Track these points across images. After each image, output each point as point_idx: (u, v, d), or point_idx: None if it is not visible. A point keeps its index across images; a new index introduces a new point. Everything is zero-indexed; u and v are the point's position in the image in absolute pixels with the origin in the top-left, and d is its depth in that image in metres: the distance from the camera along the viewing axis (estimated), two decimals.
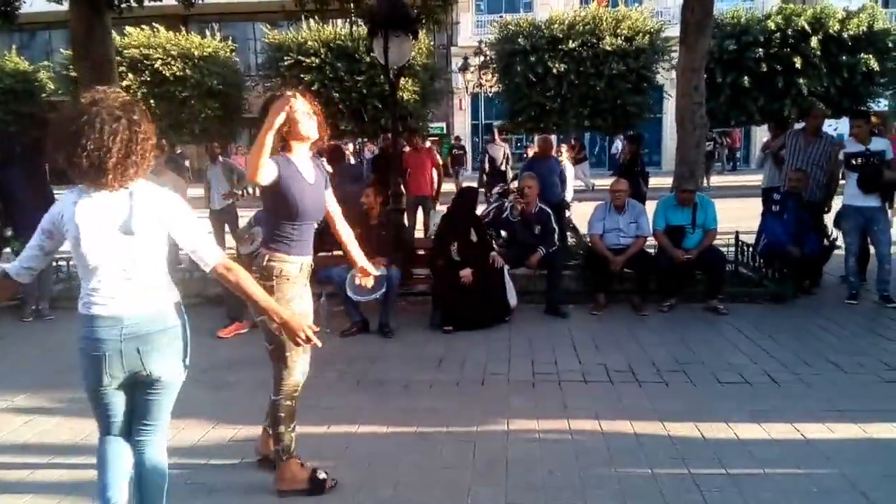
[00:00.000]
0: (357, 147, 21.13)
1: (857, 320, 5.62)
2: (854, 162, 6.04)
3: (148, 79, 17.61)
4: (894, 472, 3.08)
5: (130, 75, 16.70)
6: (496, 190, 10.89)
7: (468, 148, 27.19)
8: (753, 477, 3.09)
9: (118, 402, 2.41)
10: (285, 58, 17.06)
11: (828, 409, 3.82)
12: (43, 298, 6.39)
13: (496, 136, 14.86)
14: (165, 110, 17.73)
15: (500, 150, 13.54)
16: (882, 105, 17.33)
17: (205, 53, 18.46)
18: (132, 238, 2.24)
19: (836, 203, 6.77)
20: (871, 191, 5.96)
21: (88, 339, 2.26)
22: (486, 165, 13.46)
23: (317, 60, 16.88)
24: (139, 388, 2.42)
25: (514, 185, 10.44)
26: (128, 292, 2.28)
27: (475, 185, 11.18)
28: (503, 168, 13.18)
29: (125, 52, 16.98)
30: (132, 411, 2.46)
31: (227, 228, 8.50)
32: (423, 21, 8.14)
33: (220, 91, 18.38)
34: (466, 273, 5.65)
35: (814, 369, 4.48)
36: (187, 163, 19.76)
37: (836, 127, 19.19)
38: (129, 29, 17.60)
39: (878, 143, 6.03)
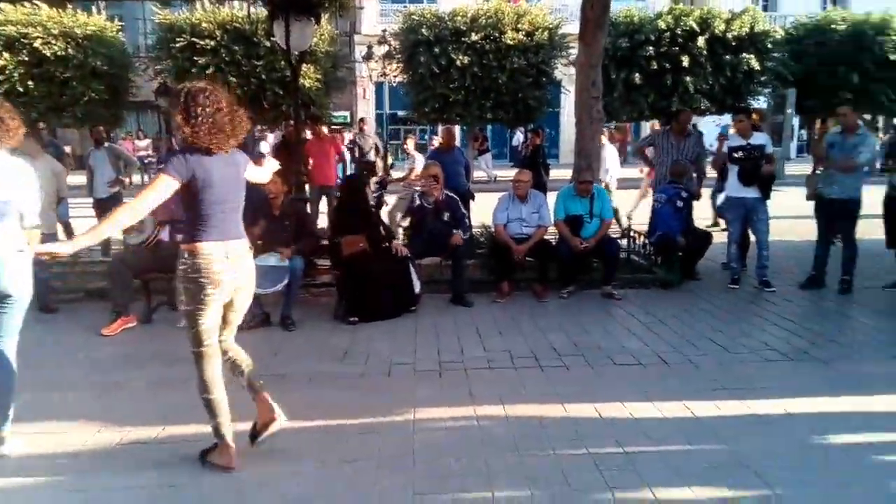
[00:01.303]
0: (257, 134, 20.41)
1: (738, 304, 6.01)
2: (736, 155, 6.44)
3: (26, 58, 16.18)
4: (777, 446, 3.30)
5: (6, 55, 15.27)
6: (374, 180, 10.81)
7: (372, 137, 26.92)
8: (649, 455, 3.23)
9: None
10: (177, 39, 16.14)
11: (715, 388, 4.05)
12: None
13: (363, 127, 14.80)
14: (45, 92, 16.37)
15: (369, 140, 13.51)
16: (762, 102, 18.60)
17: (88, 32, 17.18)
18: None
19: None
20: (750, 183, 6.38)
21: None
22: (356, 155, 13.42)
23: (212, 43, 16.05)
24: None
25: (396, 174, 10.49)
26: None
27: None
28: (373, 159, 13.12)
29: (0, 29, 15.54)
30: None
31: None
32: (327, 5, 7.93)
33: (105, 73, 17.18)
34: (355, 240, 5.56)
35: (701, 350, 4.74)
36: (68, 148, 18.39)
37: (719, 122, 20.47)
38: (2, 6, 16.09)
39: (758, 138, 6.46)
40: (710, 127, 17.82)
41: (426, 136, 24.77)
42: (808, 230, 7.01)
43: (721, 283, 6.67)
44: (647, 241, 7.07)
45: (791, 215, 9.40)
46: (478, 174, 16.44)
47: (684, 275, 6.70)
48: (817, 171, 6.68)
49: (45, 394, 4.06)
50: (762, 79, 17.45)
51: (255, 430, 3.30)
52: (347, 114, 26.99)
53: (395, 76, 19.76)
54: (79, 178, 8.24)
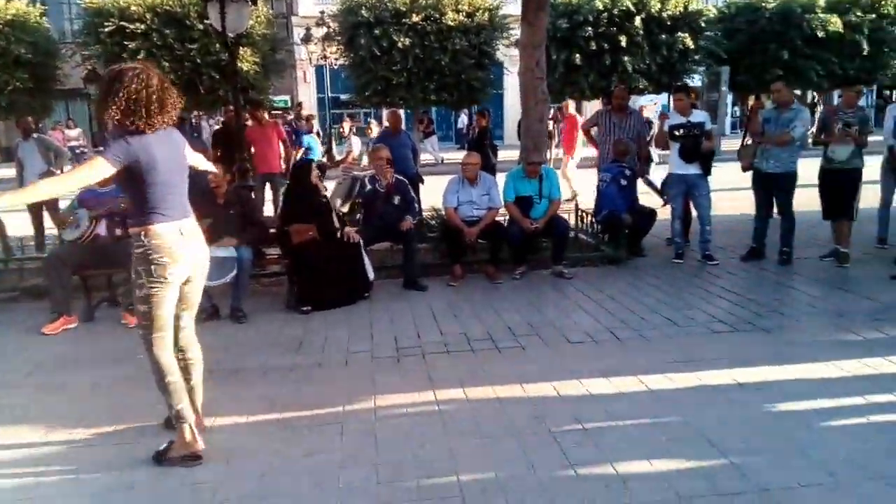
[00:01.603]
0: (194, 121, 19.76)
1: (684, 278, 6.19)
2: (676, 133, 6.58)
3: None
4: (731, 416, 3.40)
5: None
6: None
7: (315, 122, 26.48)
8: (608, 430, 3.29)
9: None
10: (105, 24, 15.45)
11: (667, 361, 4.16)
12: None
13: (300, 112, 14.60)
14: None
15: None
16: (696, 80, 19.11)
17: (9, 18, 16.25)
18: None
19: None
20: (691, 160, 6.54)
21: None
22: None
23: (142, 27, 15.46)
24: None
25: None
26: None
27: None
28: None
29: None
30: None
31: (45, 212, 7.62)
32: None
33: (29, 60, 16.32)
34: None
35: (651, 325, 4.87)
36: None
37: (656, 101, 20.93)
38: None
39: (697, 116, 6.62)
40: (650, 106, 18.19)
41: (368, 120, 24.51)
42: (746, 204, 7.27)
43: (666, 259, 6.85)
44: (594, 220, 7.17)
45: (729, 188, 9.72)
46: (424, 157, 16.36)
47: (630, 251, 6.85)
48: (747, 144, 6.90)
49: None
50: (696, 57, 17.95)
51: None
52: (288, 98, 26.42)
53: (335, 59, 19.42)
54: (7, 171, 7.82)
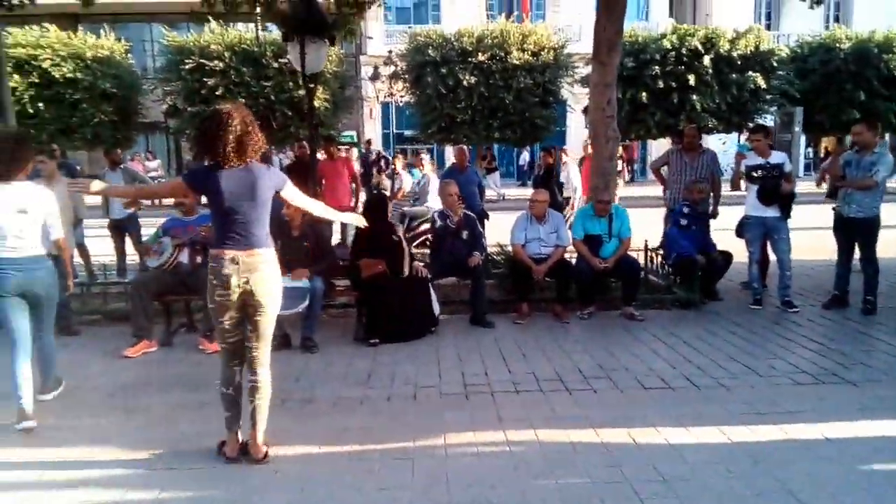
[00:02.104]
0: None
1: (763, 325, 5.94)
2: (754, 174, 6.41)
3: (36, 80, 16.33)
4: (820, 473, 3.22)
5: (16, 76, 15.41)
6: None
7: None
8: (688, 482, 3.16)
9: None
10: (186, 61, 16.29)
11: (748, 412, 3.98)
12: None
13: (370, 148, 14.87)
14: (55, 114, 16.53)
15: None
16: (768, 120, 18.69)
17: (98, 55, 17.34)
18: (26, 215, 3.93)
19: (727, 212, 7.24)
20: (770, 203, 6.34)
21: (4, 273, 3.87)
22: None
23: (221, 64, 16.24)
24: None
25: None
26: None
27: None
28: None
29: (10, 51, 15.69)
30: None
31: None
32: (341, 28, 7.98)
33: (114, 94, 17.32)
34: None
35: (730, 373, 4.67)
36: (78, 169, 18.46)
37: (725, 141, 20.53)
38: (11, 29, 16.26)
39: (776, 157, 6.42)
40: (717, 145, 17.84)
41: (419, 157, 24.91)
42: (826, 248, 6.95)
43: (742, 304, 6.61)
44: (664, 262, 7.01)
45: (806, 228, 9.33)
46: (487, 193, 16.42)
47: (704, 295, 6.64)
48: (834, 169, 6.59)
49: (70, 418, 4.02)
50: (768, 97, 17.58)
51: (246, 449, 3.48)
52: (354, 133, 27.10)
53: (401, 96, 19.88)
54: (92, 199, 8.22)
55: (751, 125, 17.44)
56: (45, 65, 16.36)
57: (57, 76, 16.44)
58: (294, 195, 3.55)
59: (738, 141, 21.09)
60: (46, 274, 4.06)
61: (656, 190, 9.45)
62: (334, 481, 3.21)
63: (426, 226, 7.51)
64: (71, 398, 4.34)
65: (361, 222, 4.26)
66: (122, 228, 8.00)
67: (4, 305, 3.90)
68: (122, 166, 8.12)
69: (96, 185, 3.73)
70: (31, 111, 15.96)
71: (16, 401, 3.83)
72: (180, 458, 3.46)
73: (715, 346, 5.31)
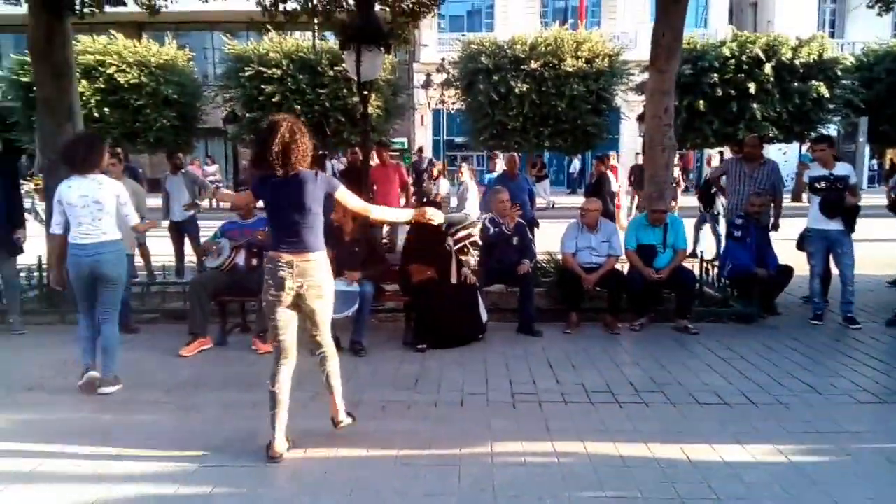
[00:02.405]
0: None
1: (823, 341, 5.73)
2: (817, 186, 6.19)
3: (102, 86, 17.04)
4: (880, 495, 3.09)
5: (84, 82, 16.11)
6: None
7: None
8: (743, 502, 3.06)
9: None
10: (246, 68, 16.75)
11: (807, 431, 3.84)
12: (12, 311, 5.99)
13: (422, 156, 14.92)
14: (119, 119, 17.20)
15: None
16: (832, 130, 18.06)
17: (162, 62, 17.99)
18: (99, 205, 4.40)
19: (788, 223, 7.00)
20: (834, 215, 6.11)
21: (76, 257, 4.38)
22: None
23: (278, 72, 16.64)
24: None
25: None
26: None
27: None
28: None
29: (79, 58, 16.42)
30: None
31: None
32: (396, 36, 8.07)
33: (176, 100, 17.94)
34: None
35: (789, 390, 4.51)
36: (140, 171, 19.18)
37: (786, 151, 19.92)
38: (81, 37, 17.01)
39: (841, 169, 6.18)
40: (777, 155, 17.32)
41: (481, 164, 24.92)
42: (889, 262, 6.67)
43: (803, 319, 6.38)
44: (720, 274, 6.82)
45: (870, 240, 8.95)
46: (537, 200, 16.36)
47: (763, 309, 6.43)
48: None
49: (128, 414, 4.15)
50: (831, 106, 16.98)
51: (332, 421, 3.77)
52: (405, 140, 27.36)
53: (452, 103, 19.97)
54: (153, 202, 8.52)
55: (813, 135, 16.92)
56: (111, 71, 17.05)
57: (122, 82, 17.13)
58: (348, 198, 3.63)
59: (800, 151, 20.46)
60: (115, 257, 4.44)
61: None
62: (382, 485, 3.23)
63: (464, 232, 7.56)
64: (129, 394, 4.49)
65: (438, 216, 4.00)
66: (181, 230, 8.26)
67: (77, 286, 4.42)
68: (183, 170, 8.38)
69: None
70: (97, 115, 16.65)
71: (82, 364, 4.47)
72: (233, 456, 3.54)
73: (773, 362, 5.14)
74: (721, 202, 8.66)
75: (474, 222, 10.36)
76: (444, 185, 11.90)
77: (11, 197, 5.88)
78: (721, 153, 18.81)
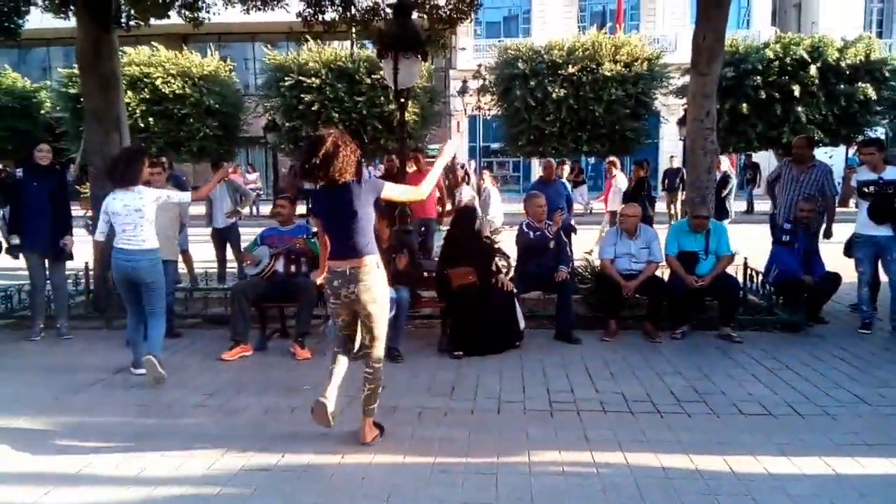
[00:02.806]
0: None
1: (872, 350, 5.54)
2: (866, 190, 5.99)
3: (147, 97, 17.52)
4: None
5: (130, 93, 16.59)
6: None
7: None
8: None
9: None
10: (286, 78, 17.03)
11: (855, 443, 3.72)
12: (60, 315, 6.21)
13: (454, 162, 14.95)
14: (164, 128, 17.65)
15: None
16: (879, 133, 17.49)
17: (204, 72, 18.42)
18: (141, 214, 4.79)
19: (836, 229, 6.80)
20: (883, 221, 5.91)
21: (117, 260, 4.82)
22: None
23: (317, 81, 16.87)
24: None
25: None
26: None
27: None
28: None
29: (125, 69, 16.92)
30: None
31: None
32: (433, 43, 8.10)
33: (218, 110, 18.33)
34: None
35: (836, 401, 4.37)
36: (184, 179, 19.63)
37: (832, 155, 19.36)
38: (127, 49, 17.54)
39: (891, 172, 5.97)
40: (823, 159, 16.87)
41: (518, 170, 24.81)
42: None
43: (850, 328, 6.17)
44: (765, 281, 6.65)
45: None
46: (575, 207, 16.24)
47: (809, 317, 6.25)
48: None
49: (171, 417, 4.24)
50: (879, 108, 16.46)
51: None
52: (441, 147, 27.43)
53: (489, 109, 19.96)
54: (197, 210, 8.71)
55: (860, 138, 16.41)
56: (157, 82, 17.51)
57: (167, 93, 17.57)
58: (393, 191, 3.82)
59: (846, 155, 19.87)
60: (149, 264, 4.83)
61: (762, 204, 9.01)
62: (419, 492, 3.23)
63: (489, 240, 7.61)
64: (172, 397, 4.59)
65: (450, 150, 4.11)
66: (223, 237, 8.42)
67: (121, 287, 4.94)
68: (226, 179, 8.53)
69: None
70: (142, 125, 17.11)
71: (136, 355, 4.95)
72: (272, 460, 3.58)
73: (820, 371, 4.98)
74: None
75: (499, 229, 10.37)
76: (466, 192, 11.92)
77: (60, 205, 6.10)
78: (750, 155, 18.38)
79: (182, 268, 7.96)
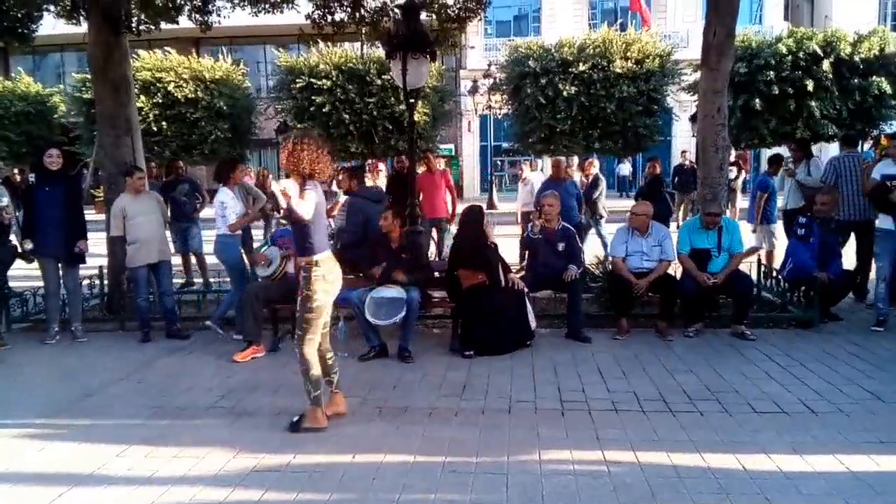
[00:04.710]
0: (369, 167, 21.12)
1: (887, 347, 5.47)
2: (890, 184, 5.92)
3: (160, 101, 17.63)
4: None
5: (142, 97, 16.71)
6: None
7: (477, 169, 27.46)
8: None
9: None
10: (297, 80, 17.08)
11: (870, 441, 3.68)
12: (74, 319, 6.29)
13: None
14: (176, 132, 17.75)
15: None
16: (895, 127, 17.24)
17: (216, 76, 18.51)
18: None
19: None
20: None
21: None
22: None
23: (328, 83, 16.88)
24: None
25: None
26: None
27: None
28: None
29: (137, 74, 17.05)
30: None
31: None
32: (443, 43, 8.09)
33: (229, 113, 18.41)
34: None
35: (851, 398, 4.33)
36: (198, 182, 19.73)
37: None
38: (140, 52, 17.68)
39: None
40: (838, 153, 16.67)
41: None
42: None
43: (865, 325, 6.11)
44: (780, 277, 6.59)
45: None
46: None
47: (824, 314, 6.18)
48: None
49: (184, 418, 4.28)
50: (894, 102, 16.21)
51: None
52: (452, 146, 27.43)
53: (499, 108, 19.90)
54: (206, 212, 8.75)
55: (874, 133, 16.18)
56: (169, 86, 17.62)
57: (179, 97, 17.66)
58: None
59: (861, 148, 19.62)
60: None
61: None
62: (430, 491, 3.23)
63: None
64: (184, 398, 4.62)
65: None
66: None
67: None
68: (238, 182, 8.56)
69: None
70: (154, 129, 17.21)
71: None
72: (284, 460, 3.60)
73: (833, 369, 4.94)
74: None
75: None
76: (536, 178, 11.77)
77: (73, 209, 6.17)
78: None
79: (196, 270, 8.02)
